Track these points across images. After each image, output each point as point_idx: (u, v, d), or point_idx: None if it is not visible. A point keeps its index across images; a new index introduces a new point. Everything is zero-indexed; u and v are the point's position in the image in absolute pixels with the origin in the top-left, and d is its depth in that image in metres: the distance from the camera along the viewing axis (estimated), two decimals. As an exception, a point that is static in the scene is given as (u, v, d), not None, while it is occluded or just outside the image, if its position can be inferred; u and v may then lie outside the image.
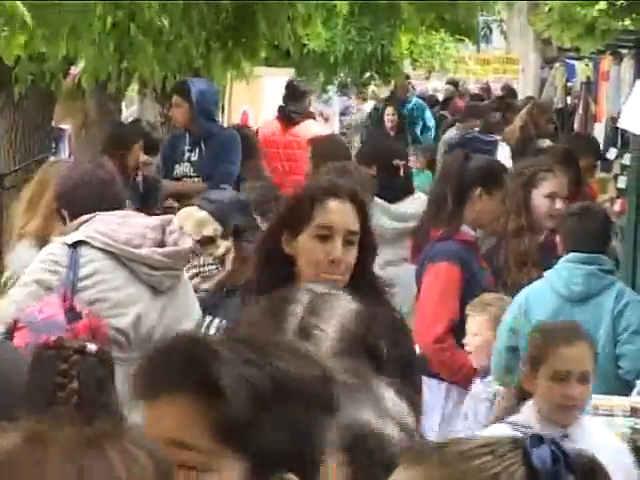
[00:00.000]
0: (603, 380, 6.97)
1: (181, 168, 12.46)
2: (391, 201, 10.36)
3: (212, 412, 2.57)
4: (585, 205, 8.76)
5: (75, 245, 6.58)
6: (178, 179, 12.34)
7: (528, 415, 5.68)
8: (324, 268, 4.84)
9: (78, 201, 6.96)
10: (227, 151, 12.23)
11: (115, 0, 10.54)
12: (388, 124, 22.52)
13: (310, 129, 14.23)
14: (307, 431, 2.70)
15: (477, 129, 17.81)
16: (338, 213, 4.90)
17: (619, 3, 15.35)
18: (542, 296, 7.73)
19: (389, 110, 22.58)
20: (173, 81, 12.84)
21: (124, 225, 6.86)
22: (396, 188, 10.57)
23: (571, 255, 7.74)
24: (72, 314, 6.52)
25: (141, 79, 14.21)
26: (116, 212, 6.92)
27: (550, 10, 17.49)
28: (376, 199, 9.64)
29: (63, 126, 17.51)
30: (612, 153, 14.83)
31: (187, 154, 12.60)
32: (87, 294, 6.64)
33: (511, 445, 2.40)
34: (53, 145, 15.74)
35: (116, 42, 11.09)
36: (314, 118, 15.50)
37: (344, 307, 3.72)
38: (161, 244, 6.67)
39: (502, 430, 5.40)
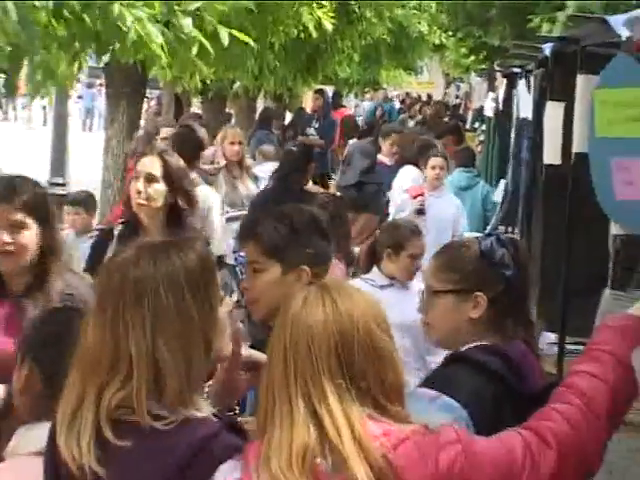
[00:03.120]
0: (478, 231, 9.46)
1: None
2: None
3: (259, 245, 3.94)
4: (464, 147, 12.91)
5: None
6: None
7: (376, 275, 6.51)
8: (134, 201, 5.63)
9: None
10: None
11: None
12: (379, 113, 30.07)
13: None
14: (313, 247, 3.98)
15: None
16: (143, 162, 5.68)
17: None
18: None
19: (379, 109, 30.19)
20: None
21: None
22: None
23: (459, 169, 11.69)
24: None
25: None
26: None
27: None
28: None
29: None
30: (477, 125, 20.74)
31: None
32: None
33: (474, 240, 3.71)
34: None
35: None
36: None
37: None
38: None
39: (359, 283, 6.00)
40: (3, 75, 6.28)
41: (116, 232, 5.79)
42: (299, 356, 2.52)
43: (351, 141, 15.57)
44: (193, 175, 8.47)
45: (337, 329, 2.53)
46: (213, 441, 2.66)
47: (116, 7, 6.04)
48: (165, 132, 10.75)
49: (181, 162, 5.85)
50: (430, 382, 3.46)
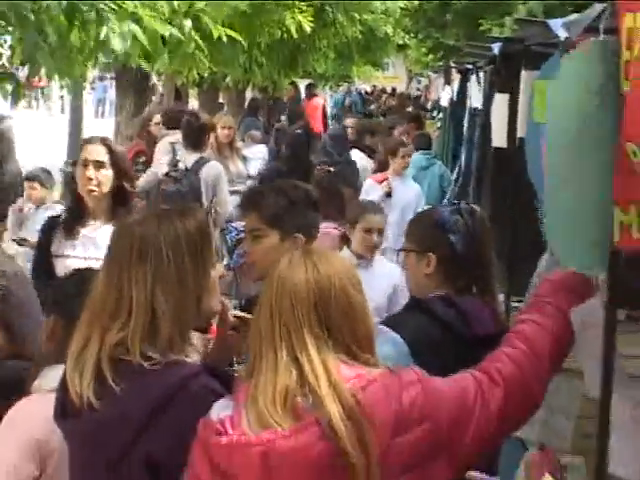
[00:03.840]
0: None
1: None
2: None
3: (261, 215, 3.92)
4: (422, 132, 13.04)
5: None
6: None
7: (346, 253, 6.27)
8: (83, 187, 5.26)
9: None
10: None
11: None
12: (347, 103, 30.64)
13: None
14: (306, 218, 4.01)
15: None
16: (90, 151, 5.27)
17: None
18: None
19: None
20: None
21: None
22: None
23: (418, 152, 11.26)
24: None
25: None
26: None
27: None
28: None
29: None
30: (435, 113, 20.72)
31: None
32: None
33: (434, 210, 4.02)
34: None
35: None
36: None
37: None
38: None
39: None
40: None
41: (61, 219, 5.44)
42: (283, 311, 2.53)
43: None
44: (200, 155, 8.96)
45: (317, 287, 2.55)
46: (192, 380, 2.69)
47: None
48: (157, 118, 10.77)
49: (123, 148, 5.89)
50: (386, 321, 3.66)
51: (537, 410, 2.79)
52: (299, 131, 11.85)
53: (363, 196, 9.25)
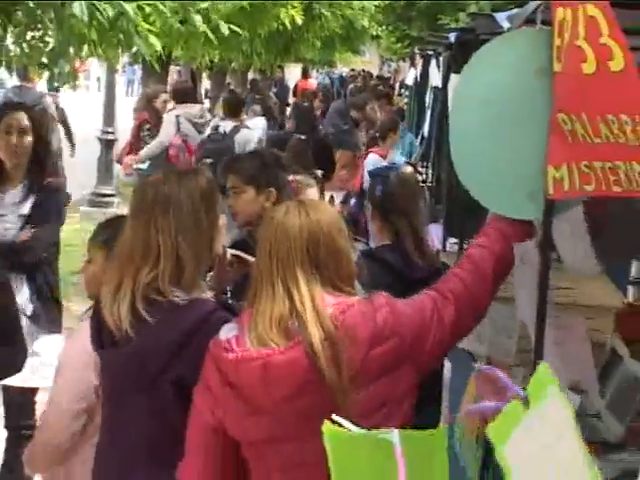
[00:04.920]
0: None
1: None
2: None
3: (239, 175, 3.95)
4: (398, 108, 13.42)
5: None
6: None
7: None
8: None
9: None
10: None
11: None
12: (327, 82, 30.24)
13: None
14: (276, 176, 4.02)
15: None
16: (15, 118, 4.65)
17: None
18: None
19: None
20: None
21: None
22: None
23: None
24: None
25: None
26: None
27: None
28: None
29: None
30: (402, 91, 20.56)
31: None
32: None
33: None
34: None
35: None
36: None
37: None
38: None
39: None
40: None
41: None
42: (280, 251, 2.52)
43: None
44: (236, 123, 9.30)
45: (308, 232, 2.54)
46: (213, 315, 2.68)
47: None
48: (163, 97, 10.42)
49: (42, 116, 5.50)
50: None
51: (482, 319, 2.78)
52: (306, 104, 12.11)
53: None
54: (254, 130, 10.42)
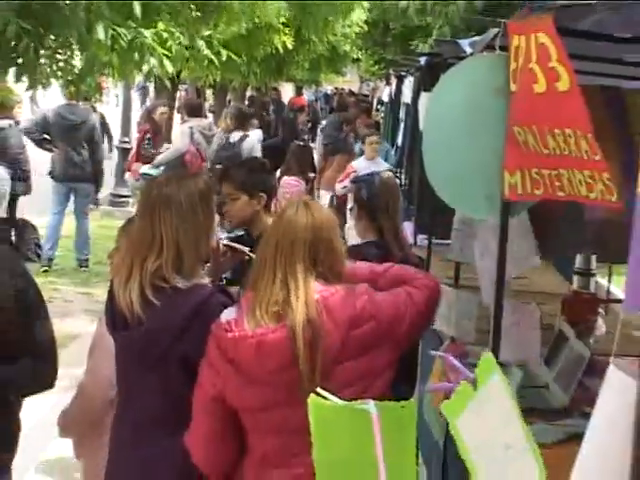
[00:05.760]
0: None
1: None
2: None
3: (232, 183, 3.79)
4: (375, 121, 13.35)
5: None
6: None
7: None
8: None
9: None
10: None
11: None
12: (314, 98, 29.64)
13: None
14: (264, 182, 3.90)
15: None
16: None
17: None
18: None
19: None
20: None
21: None
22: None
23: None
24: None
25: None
26: None
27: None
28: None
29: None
30: (379, 107, 20.50)
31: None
32: None
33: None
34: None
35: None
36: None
37: None
38: None
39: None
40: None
41: None
42: (285, 245, 2.51)
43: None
44: (244, 133, 9.45)
45: (311, 231, 2.52)
46: (211, 298, 2.67)
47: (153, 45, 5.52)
48: (160, 110, 10.59)
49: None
50: None
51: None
52: (292, 117, 13.19)
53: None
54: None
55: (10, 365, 2.81)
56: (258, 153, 9.20)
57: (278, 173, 9.17)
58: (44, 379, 2.94)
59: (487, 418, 1.99)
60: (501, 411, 1.95)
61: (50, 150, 9.24)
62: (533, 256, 3.26)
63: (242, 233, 3.90)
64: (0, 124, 8.44)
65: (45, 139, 9.19)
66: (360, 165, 8.63)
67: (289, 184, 8.80)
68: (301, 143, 10.78)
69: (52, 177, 9.23)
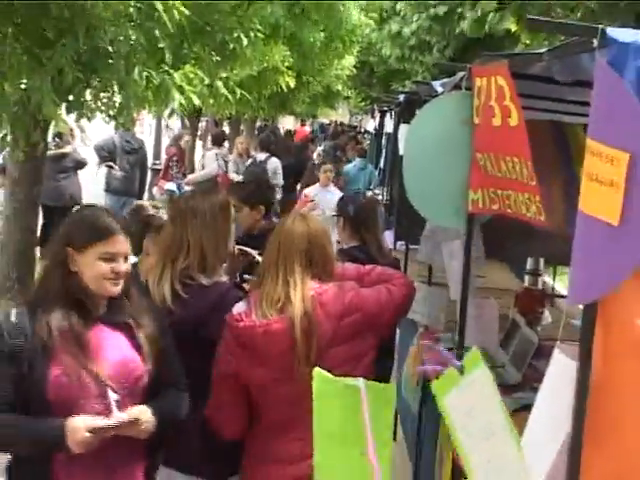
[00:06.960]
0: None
1: None
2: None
3: (237, 197, 3.57)
4: (361, 147, 12.84)
5: None
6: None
7: None
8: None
9: None
10: None
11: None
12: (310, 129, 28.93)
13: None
14: (264, 196, 3.83)
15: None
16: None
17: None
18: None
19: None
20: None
21: None
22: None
23: (359, 159, 10.81)
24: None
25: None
26: None
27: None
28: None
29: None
30: (365, 136, 20.47)
31: None
32: None
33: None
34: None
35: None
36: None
37: None
38: None
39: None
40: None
41: None
42: (285, 250, 2.48)
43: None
44: (268, 154, 9.19)
45: (308, 238, 2.49)
46: (229, 292, 2.65)
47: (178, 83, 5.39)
48: (185, 138, 10.85)
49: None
50: None
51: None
52: (288, 143, 12.68)
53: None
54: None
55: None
56: (280, 170, 9.16)
57: (299, 186, 9.55)
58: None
59: (472, 403, 1.99)
60: (485, 399, 1.95)
61: (111, 167, 9.02)
62: (481, 257, 3.27)
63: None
64: (67, 149, 8.65)
65: (107, 157, 9.13)
66: (313, 192, 7.75)
67: (308, 195, 8.80)
68: (315, 163, 10.67)
69: (108, 191, 9.07)
